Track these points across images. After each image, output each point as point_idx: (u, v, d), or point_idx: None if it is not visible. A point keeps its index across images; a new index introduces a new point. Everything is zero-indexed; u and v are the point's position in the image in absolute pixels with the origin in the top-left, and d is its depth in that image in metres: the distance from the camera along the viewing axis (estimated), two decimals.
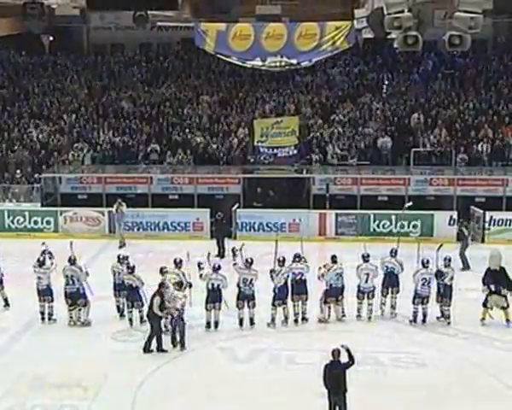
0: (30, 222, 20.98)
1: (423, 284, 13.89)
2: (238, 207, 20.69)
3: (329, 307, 14.18)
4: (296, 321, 14.18)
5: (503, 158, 23.21)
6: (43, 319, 14.34)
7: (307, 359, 12.44)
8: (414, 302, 14.01)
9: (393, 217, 20.09)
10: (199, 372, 12.17)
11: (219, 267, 13.93)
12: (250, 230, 20.35)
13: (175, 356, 12.73)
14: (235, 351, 13.05)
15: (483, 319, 14.01)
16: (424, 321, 14.08)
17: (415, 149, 23.34)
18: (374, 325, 14.06)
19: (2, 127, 25.69)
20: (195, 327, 13.72)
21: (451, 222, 19.79)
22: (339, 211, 20.41)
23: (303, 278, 14.10)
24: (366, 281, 14.23)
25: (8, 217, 20.96)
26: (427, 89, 26.39)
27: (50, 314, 14.35)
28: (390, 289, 14.35)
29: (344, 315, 14.25)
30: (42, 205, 21.72)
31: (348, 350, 10.33)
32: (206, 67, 28.49)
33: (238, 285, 13.97)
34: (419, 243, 14.67)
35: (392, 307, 14.40)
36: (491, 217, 19.82)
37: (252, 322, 14.01)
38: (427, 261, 14.01)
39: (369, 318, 14.29)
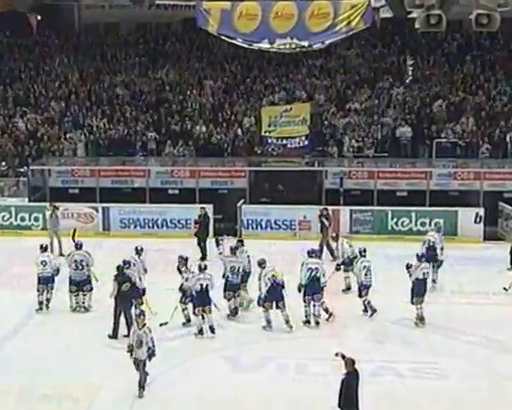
0: (16, 219, 21.12)
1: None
2: (244, 203, 20.75)
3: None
4: (308, 322, 14.29)
5: None
6: (41, 309, 14.91)
7: (319, 368, 12.46)
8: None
9: (413, 214, 20.10)
10: (200, 384, 12.16)
11: (206, 267, 14.14)
12: (256, 227, 20.41)
13: (174, 366, 12.78)
14: (240, 360, 13.08)
15: None
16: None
17: (437, 140, 23.33)
18: (387, 332, 14.09)
19: None
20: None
21: (477, 220, 19.78)
22: (353, 207, 20.47)
23: (318, 275, 14.23)
24: (366, 275, 14.54)
25: None
26: (451, 73, 26.33)
27: (48, 300, 14.98)
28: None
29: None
30: (29, 200, 21.87)
31: (344, 358, 10.27)
32: (209, 50, 28.47)
33: (225, 276, 14.44)
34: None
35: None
36: None
37: (237, 311, 14.50)
38: (423, 255, 14.37)
39: (374, 311, 14.50)
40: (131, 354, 11.54)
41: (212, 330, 13.84)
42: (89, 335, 13.93)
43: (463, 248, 16.79)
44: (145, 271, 15.01)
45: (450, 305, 15.44)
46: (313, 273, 14.20)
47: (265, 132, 22.47)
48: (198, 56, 28.40)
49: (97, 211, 21.00)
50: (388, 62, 27.26)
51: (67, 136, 24.64)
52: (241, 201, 20.80)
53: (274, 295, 14.01)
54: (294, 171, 21.96)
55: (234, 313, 14.71)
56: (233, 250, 14.89)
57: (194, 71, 27.58)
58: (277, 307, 14.07)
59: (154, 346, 11.58)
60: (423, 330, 14.17)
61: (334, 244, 17.27)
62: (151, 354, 11.55)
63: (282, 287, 14.04)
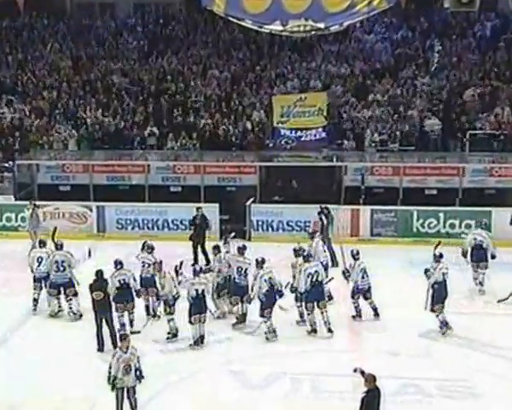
0: (1, 219, 21.22)
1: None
2: (253, 202, 20.78)
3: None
4: (315, 331, 14.42)
5: None
6: (35, 308, 15.57)
7: (335, 386, 12.45)
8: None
9: (441, 214, 20.06)
10: (204, 401, 12.17)
11: (201, 270, 14.35)
12: (267, 229, 20.42)
13: (175, 381, 12.80)
14: (249, 375, 13.09)
15: None
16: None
17: (471, 132, 23.23)
18: (411, 345, 14.06)
19: None
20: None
21: None
22: (375, 207, 20.44)
23: (319, 278, 14.40)
24: (363, 277, 14.80)
25: None
26: (484, 59, 26.26)
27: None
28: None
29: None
30: (15, 198, 21.97)
31: (363, 374, 10.27)
32: (215, 34, 28.54)
33: (232, 278, 14.78)
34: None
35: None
36: None
37: (244, 318, 14.67)
38: (441, 255, 14.42)
39: (377, 314, 14.88)
40: (114, 386, 11.19)
41: (202, 340, 13.96)
42: (81, 344, 14.00)
43: (497, 253, 16.71)
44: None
45: (483, 316, 15.39)
46: (314, 278, 14.35)
47: (278, 123, 22.47)
48: (203, 41, 28.45)
49: (91, 210, 21.06)
50: (413, 48, 27.22)
51: (58, 128, 24.73)
52: (251, 199, 20.82)
53: (272, 299, 14.20)
54: (310, 166, 21.95)
55: (242, 319, 14.83)
56: (240, 250, 15.11)
57: (198, 57, 27.63)
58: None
59: (140, 367, 11.42)
60: (452, 344, 14.12)
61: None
62: (139, 377, 11.40)
63: (280, 293, 14.24)
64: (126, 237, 20.26)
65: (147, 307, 15.28)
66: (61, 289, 15.31)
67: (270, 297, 14.19)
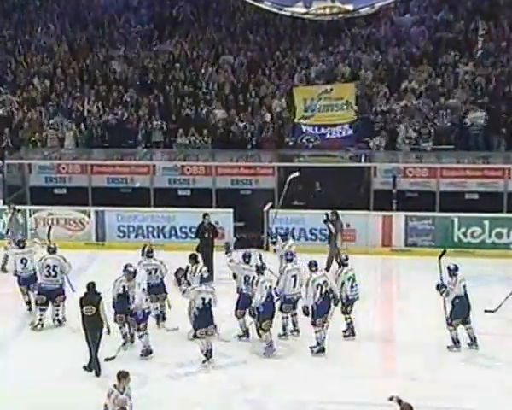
0: None
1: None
2: (271, 207, 20.83)
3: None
4: (323, 351, 14.61)
5: None
6: (30, 309, 16.39)
7: None
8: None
9: (486, 222, 20.06)
10: None
11: (208, 278, 14.67)
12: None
13: None
14: (264, 405, 13.16)
15: None
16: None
17: None
18: (451, 371, 14.10)
19: None
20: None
21: None
22: (410, 213, 20.49)
23: (328, 289, 14.64)
24: (352, 287, 15.13)
25: None
26: None
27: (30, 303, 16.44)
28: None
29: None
30: (4, 202, 22.01)
31: (400, 403, 10.33)
32: (228, 16, 28.65)
33: (238, 289, 15.26)
34: None
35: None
36: None
37: (258, 332, 14.93)
38: (456, 268, 14.60)
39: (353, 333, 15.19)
40: None
41: (209, 353, 14.18)
42: (79, 367, 14.12)
43: None
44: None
45: None
46: (323, 290, 14.57)
47: (299, 119, 22.52)
48: (215, 24, 28.54)
49: (89, 216, 21.22)
50: (454, 31, 27.19)
51: (52, 122, 24.87)
52: (269, 204, 20.90)
53: (272, 309, 14.51)
54: (335, 167, 21.98)
55: (247, 334, 15.22)
56: (246, 257, 15.40)
57: (210, 42, 27.74)
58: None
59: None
60: (496, 370, 14.14)
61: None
62: None
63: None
64: (129, 246, 20.23)
65: (157, 317, 15.63)
66: (50, 296, 15.67)
67: (269, 307, 14.48)
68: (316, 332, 14.67)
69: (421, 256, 19.43)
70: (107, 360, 14.11)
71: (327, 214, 18.89)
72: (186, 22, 28.79)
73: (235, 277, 15.70)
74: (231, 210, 20.56)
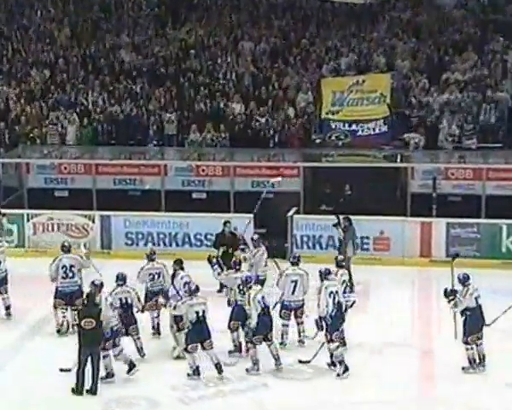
0: None
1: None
2: (296, 213, 20.80)
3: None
4: (346, 369, 14.46)
5: None
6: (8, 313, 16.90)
7: None
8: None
9: None
10: None
11: (198, 289, 14.56)
12: (314, 246, 20.49)
13: None
14: None
15: None
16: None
17: None
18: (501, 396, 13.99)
19: None
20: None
21: None
22: (452, 220, 20.37)
23: (340, 299, 14.66)
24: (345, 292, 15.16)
25: None
26: None
27: (8, 308, 16.86)
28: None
29: None
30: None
31: None
32: None
33: (230, 301, 15.52)
34: None
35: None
36: None
37: (241, 348, 15.23)
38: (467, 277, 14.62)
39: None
40: None
41: (219, 368, 14.26)
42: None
43: None
44: None
45: None
46: (336, 299, 14.59)
47: (327, 114, 22.53)
48: (234, 7, 28.59)
49: (94, 222, 21.25)
50: (504, 14, 27.05)
51: (53, 116, 24.94)
52: (293, 209, 20.89)
53: (268, 323, 14.58)
54: (368, 168, 22.00)
55: (239, 349, 15.34)
56: (236, 265, 15.58)
57: (228, 28, 27.74)
58: (265, 339, 14.59)
59: None
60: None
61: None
62: None
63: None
64: (137, 255, 19.97)
65: (154, 327, 15.99)
66: (69, 299, 15.85)
67: (264, 322, 14.49)
68: (333, 349, 14.54)
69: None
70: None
71: (338, 218, 18.82)
72: (202, 5, 28.81)
73: (220, 290, 16.32)
74: (251, 215, 20.46)
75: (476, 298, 14.55)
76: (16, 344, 16.04)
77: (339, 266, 15.58)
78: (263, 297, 14.61)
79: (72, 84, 26.09)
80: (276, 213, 20.82)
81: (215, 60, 26.48)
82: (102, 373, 14.16)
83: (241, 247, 17.46)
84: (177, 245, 20.97)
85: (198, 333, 14.22)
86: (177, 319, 15.11)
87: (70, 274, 15.94)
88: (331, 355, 14.49)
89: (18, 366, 15.01)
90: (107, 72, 26.50)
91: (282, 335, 15.57)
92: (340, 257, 16.05)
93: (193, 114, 24.78)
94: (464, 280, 14.62)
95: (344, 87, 22.58)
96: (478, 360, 14.61)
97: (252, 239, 17.70)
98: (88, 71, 26.61)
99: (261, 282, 16.25)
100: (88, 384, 13.81)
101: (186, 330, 14.44)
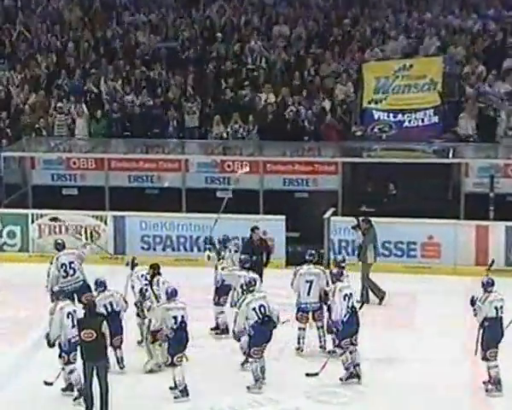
0: None
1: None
2: (334, 214, 20.87)
3: None
4: (358, 377, 14.75)
5: None
6: None
7: None
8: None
9: None
10: None
11: (175, 292, 14.58)
12: (353, 252, 20.44)
13: None
14: None
15: None
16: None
17: None
18: None
19: None
20: None
21: None
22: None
23: (354, 303, 14.91)
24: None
25: None
26: None
27: None
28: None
29: None
30: (1, 205, 22.41)
31: None
32: None
33: (231, 304, 15.88)
34: None
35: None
36: None
37: (246, 359, 15.10)
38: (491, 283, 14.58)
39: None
40: None
41: (187, 393, 14.25)
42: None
43: None
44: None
45: None
46: (350, 303, 14.77)
47: (370, 102, 22.54)
48: None
49: (106, 223, 21.42)
50: None
51: (60, 105, 25.05)
52: (331, 210, 20.96)
53: (266, 333, 14.57)
54: (416, 164, 21.93)
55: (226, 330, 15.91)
56: (242, 263, 15.97)
57: (260, 8, 27.80)
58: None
59: None
60: None
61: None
62: None
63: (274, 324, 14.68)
64: (154, 260, 20.11)
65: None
66: (76, 297, 15.96)
67: (262, 332, 14.51)
68: (340, 355, 14.73)
69: None
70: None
71: (358, 220, 18.95)
72: None
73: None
74: (283, 217, 20.56)
75: (497, 308, 14.42)
76: (20, 362, 16.15)
77: (340, 267, 15.57)
78: (261, 306, 14.50)
79: (83, 69, 26.23)
80: (310, 214, 20.97)
81: (244, 44, 26.48)
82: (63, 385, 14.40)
83: (208, 246, 17.60)
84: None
85: (179, 341, 14.25)
86: (153, 332, 15.14)
87: (71, 271, 16.24)
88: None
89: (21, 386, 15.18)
90: (121, 56, 26.64)
91: (299, 339, 15.84)
92: (339, 257, 16.18)
93: (217, 105, 24.83)
94: (487, 286, 14.54)
95: (389, 72, 22.58)
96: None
97: (219, 241, 17.82)
98: (100, 55, 26.78)
99: (226, 287, 16.47)
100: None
101: (166, 342, 14.43)
